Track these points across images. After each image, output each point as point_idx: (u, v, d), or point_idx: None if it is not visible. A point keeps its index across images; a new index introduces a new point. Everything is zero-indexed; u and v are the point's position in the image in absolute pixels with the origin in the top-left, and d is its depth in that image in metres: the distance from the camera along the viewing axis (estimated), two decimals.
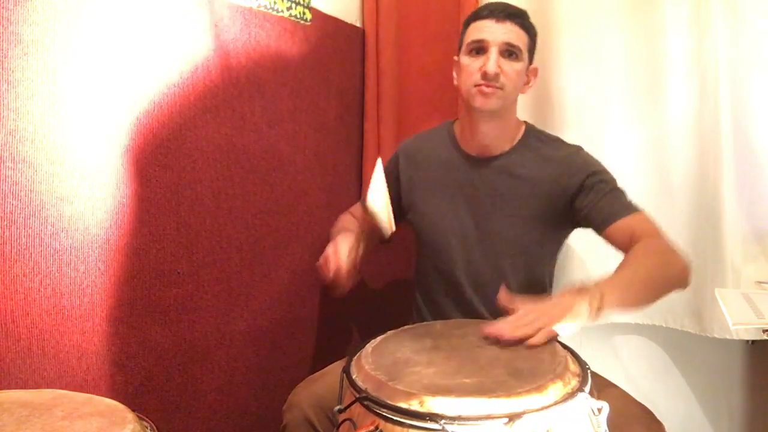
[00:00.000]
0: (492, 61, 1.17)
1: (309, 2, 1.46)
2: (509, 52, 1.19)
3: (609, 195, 1.19)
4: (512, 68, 1.19)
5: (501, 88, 1.18)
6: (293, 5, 1.41)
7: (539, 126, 1.46)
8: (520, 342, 0.90)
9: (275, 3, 1.37)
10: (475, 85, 1.19)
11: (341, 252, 1.16)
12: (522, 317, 0.93)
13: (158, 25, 1.14)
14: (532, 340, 0.89)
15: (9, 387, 0.92)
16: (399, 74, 1.67)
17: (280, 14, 1.38)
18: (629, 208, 1.17)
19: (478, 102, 1.20)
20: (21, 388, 0.91)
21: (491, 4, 1.22)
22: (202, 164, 1.23)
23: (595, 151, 1.42)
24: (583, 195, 1.20)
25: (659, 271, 1.08)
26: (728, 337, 1.39)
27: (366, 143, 1.66)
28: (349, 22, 1.63)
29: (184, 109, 1.19)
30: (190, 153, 1.21)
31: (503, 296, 0.99)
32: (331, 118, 1.57)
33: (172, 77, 1.17)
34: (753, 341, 1.47)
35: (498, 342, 0.91)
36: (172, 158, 1.18)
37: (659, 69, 1.43)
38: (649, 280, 1.06)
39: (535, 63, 1.51)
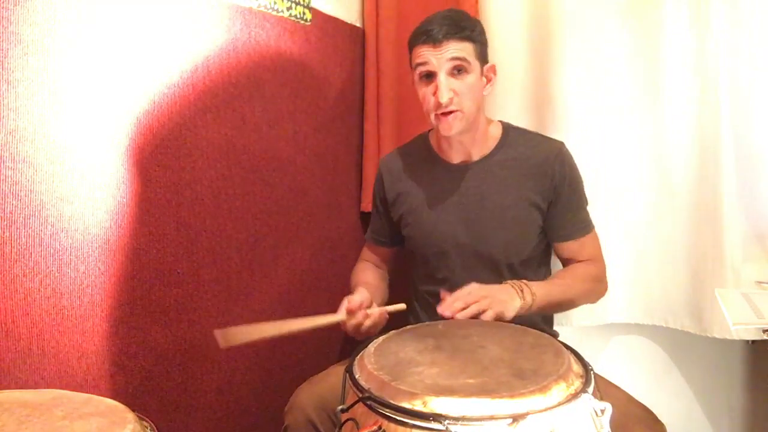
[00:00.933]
0: (442, 88, 1.14)
1: (309, 2, 1.46)
2: (457, 68, 1.16)
3: (573, 211, 1.27)
4: (464, 84, 1.17)
5: (459, 110, 1.17)
6: (293, 5, 1.41)
7: (540, 127, 1.46)
8: (471, 317, 1.05)
9: (275, 3, 1.37)
10: (435, 113, 1.19)
11: (353, 300, 1.13)
12: (471, 294, 1.07)
13: (158, 26, 1.14)
14: (484, 316, 1.04)
15: (9, 387, 0.92)
16: (399, 74, 1.67)
17: (280, 14, 1.38)
18: (584, 228, 1.28)
19: (442, 129, 1.20)
20: (21, 388, 0.92)
21: (426, 24, 1.17)
22: (202, 164, 1.23)
23: (595, 151, 1.42)
24: (554, 203, 1.25)
25: (584, 296, 1.28)
26: (728, 337, 1.38)
27: (366, 143, 1.66)
28: (349, 22, 1.63)
29: (184, 109, 1.19)
30: (190, 153, 1.21)
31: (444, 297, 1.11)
32: (331, 118, 1.57)
33: (172, 77, 1.17)
34: (753, 341, 1.47)
35: (497, 341, 0.93)
36: (172, 158, 1.18)
37: (659, 69, 1.42)
38: (572, 301, 1.25)
39: (536, 63, 1.51)
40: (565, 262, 1.31)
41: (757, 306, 1.04)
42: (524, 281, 1.14)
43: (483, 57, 1.21)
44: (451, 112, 1.17)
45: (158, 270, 1.16)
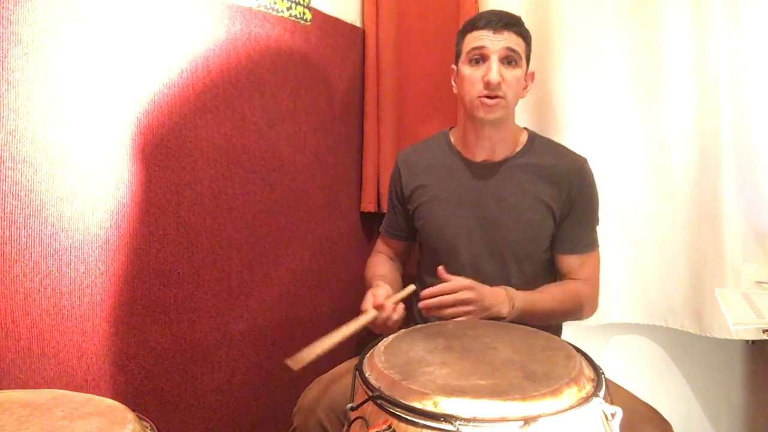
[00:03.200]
0: (494, 70, 1.17)
1: (309, 2, 1.46)
2: (509, 59, 1.19)
3: (583, 227, 1.27)
4: (513, 75, 1.20)
5: (503, 97, 1.19)
6: (293, 5, 1.41)
7: (540, 128, 1.46)
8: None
9: (275, 3, 1.37)
10: (479, 96, 1.20)
11: (379, 294, 1.13)
12: (455, 296, 1.10)
13: (158, 25, 1.14)
14: (457, 319, 1.09)
15: (9, 387, 0.92)
16: (399, 74, 1.67)
17: (280, 14, 1.38)
18: (589, 246, 1.28)
19: (482, 113, 1.21)
20: (21, 388, 0.92)
21: (487, 14, 1.22)
22: (202, 164, 1.23)
23: (595, 151, 1.42)
24: (566, 215, 1.26)
25: (564, 314, 1.28)
26: (728, 337, 1.39)
27: (366, 143, 1.66)
28: (349, 22, 1.63)
29: (184, 109, 1.19)
30: (190, 153, 1.21)
31: (441, 272, 1.15)
32: (331, 118, 1.57)
33: (172, 77, 1.17)
34: (753, 341, 1.47)
35: (505, 341, 0.94)
36: (172, 158, 1.18)
37: (659, 69, 1.43)
38: (553, 317, 1.26)
39: (536, 64, 1.51)
40: (562, 276, 1.30)
41: (757, 306, 1.04)
42: (512, 290, 1.17)
43: (528, 59, 1.25)
44: (496, 97, 1.19)
45: (158, 270, 1.16)
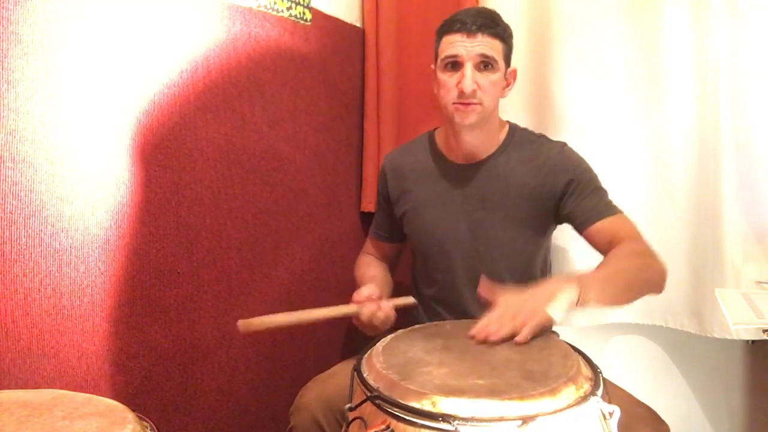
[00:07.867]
0: (467, 78, 1.15)
1: (309, 2, 1.46)
2: (485, 63, 1.17)
3: (591, 195, 1.22)
4: (488, 80, 1.18)
5: (479, 104, 1.18)
6: (293, 5, 1.41)
7: (540, 127, 1.46)
8: (507, 339, 0.92)
9: (275, 3, 1.37)
10: (453, 103, 1.19)
11: (360, 292, 1.14)
12: (504, 314, 0.94)
13: (158, 25, 1.14)
14: (518, 339, 0.91)
15: (9, 387, 0.92)
16: (399, 74, 1.67)
17: (280, 14, 1.38)
18: (610, 209, 1.20)
19: (457, 118, 1.20)
20: (21, 388, 0.92)
21: (461, 15, 1.19)
22: (202, 164, 1.23)
23: (595, 151, 1.42)
24: (567, 196, 1.23)
25: (639, 273, 1.11)
26: (728, 337, 1.38)
27: (366, 143, 1.66)
28: (349, 22, 1.63)
29: (184, 109, 1.19)
30: (190, 153, 1.21)
31: (484, 288, 1.02)
32: (331, 118, 1.57)
33: (172, 77, 1.17)
34: (753, 341, 1.47)
35: (499, 343, 0.92)
36: (172, 158, 1.18)
37: (659, 69, 1.43)
38: (628, 281, 1.09)
39: (536, 64, 1.52)
40: (605, 251, 1.16)
41: (757, 306, 1.04)
42: (567, 273, 1.03)
43: (508, 59, 1.23)
44: (471, 104, 1.17)
45: (158, 270, 1.16)
